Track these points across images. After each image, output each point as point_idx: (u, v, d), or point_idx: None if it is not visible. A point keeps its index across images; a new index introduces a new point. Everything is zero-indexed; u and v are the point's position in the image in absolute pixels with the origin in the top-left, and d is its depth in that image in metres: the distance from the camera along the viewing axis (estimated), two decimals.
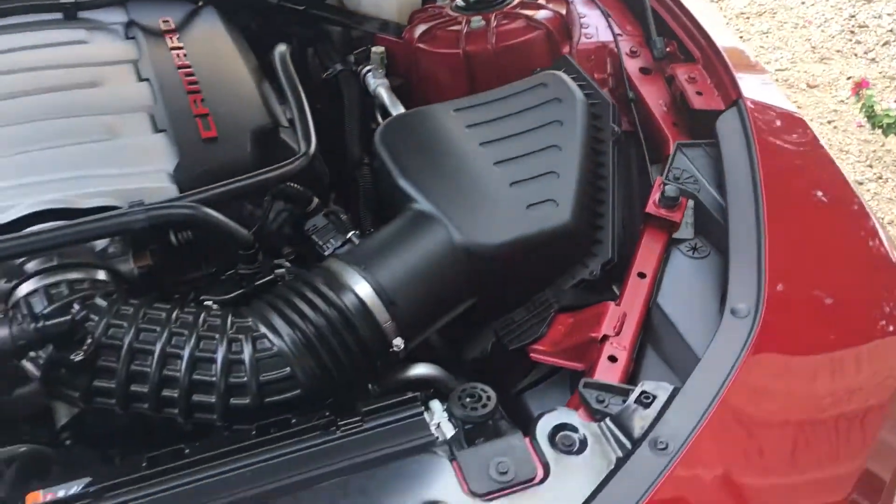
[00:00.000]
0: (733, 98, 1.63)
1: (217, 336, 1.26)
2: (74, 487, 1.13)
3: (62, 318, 1.18)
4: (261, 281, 1.47)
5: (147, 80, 1.63)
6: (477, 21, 1.86)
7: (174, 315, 1.29)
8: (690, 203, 1.49)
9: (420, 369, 1.44)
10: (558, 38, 1.88)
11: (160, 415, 1.26)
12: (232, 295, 1.45)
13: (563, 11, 1.93)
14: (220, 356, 1.24)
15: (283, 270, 1.51)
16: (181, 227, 1.40)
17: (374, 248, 1.41)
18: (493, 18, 1.88)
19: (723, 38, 1.79)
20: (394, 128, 1.60)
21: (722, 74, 1.69)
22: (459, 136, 1.55)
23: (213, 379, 1.24)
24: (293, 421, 1.21)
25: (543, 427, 1.18)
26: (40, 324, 1.16)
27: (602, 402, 1.21)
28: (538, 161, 1.51)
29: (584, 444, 1.16)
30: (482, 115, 1.60)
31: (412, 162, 1.51)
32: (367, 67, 1.93)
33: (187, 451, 1.17)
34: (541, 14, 1.89)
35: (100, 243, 1.37)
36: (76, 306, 1.24)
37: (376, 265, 1.36)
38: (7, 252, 1.25)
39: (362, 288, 1.33)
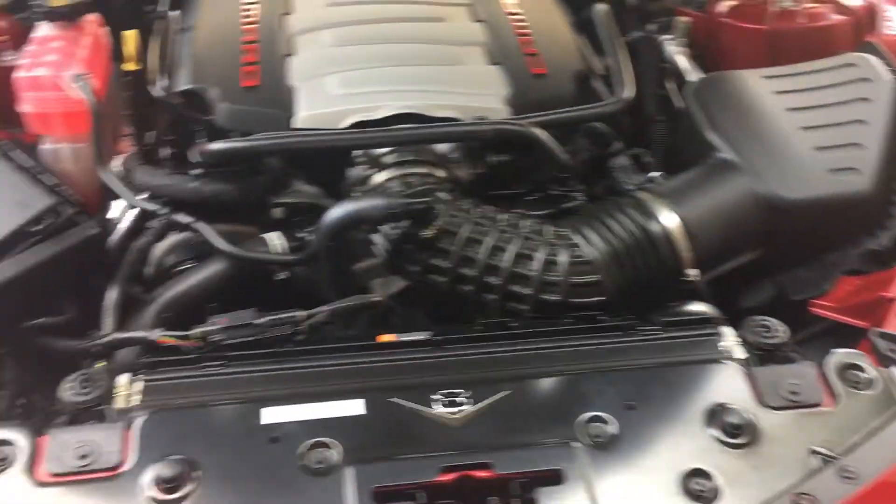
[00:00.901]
0: None
1: (537, 239, 1.45)
2: (415, 336, 1.35)
3: (423, 199, 1.41)
4: (567, 205, 1.65)
5: (481, 21, 1.85)
6: (789, 1, 1.96)
7: (502, 217, 1.49)
8: None
9: (701, 307, 1.56)
10: (864, 27, 1.94)
11: (477, 298, 1.46)
12: (542, 213, 1.64)
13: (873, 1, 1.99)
14: (539, 255, 1.43)
15: (583, 200, 1.69)
16: (515, 144, 1.60)
17: (680, 186, 1.56)
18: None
19: None
20: (706, 85, 1.73)
21: None
22: (768, 99, 1.66)
23: (531, 273, 1.42)
24: (599, 316, 1.38)
25: (834, 362, 1.27)
26: (408, 201, 1.39)
27: (894, 352, 1.29)
28: (844, 132, 1.59)
29: (871, 383, 1.25)
30: (791, 85, 1.70)
31: (721, 117, 1.64)
32: (669, 36, 2.07)
33: (514, 324, 1.36)
34: (850, 1, 1.95)
35: (444, 148, 1.60)
36: (425, 193, 1.47)
37: (682, 201, 1.51)
38: (378, 141, 1.51)
39: (669, 218, 1.48)
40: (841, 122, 1.60)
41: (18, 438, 1.13)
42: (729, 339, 1.35)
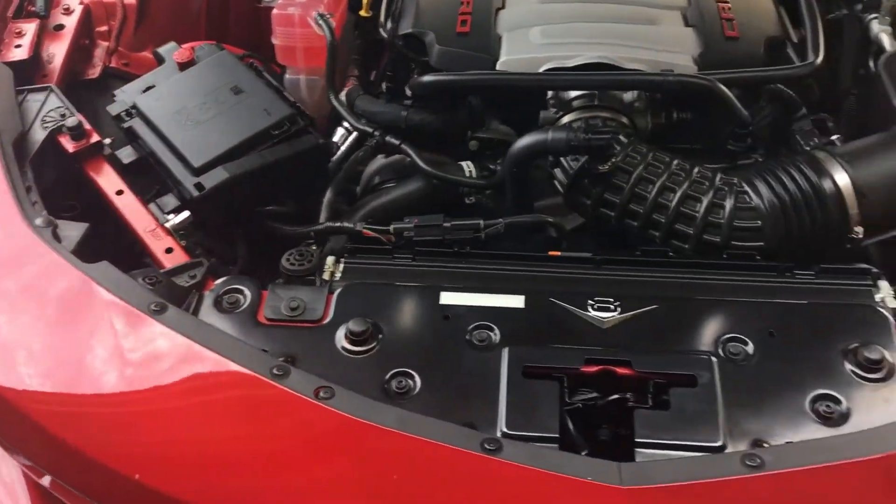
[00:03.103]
0: None
1: (706, 183, 1.55)
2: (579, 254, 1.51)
3: (603, 136, 1.56)
4: (742, 162, 1.74)
5: None
6: None
7: (675, 162, 1.60)
8: None
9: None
10: None
11: (643, 233, 1.59)
12: (716, 166, 1.73)
13: None
14: (706, 198, 1.53)
15: (757, 157, 1.76)
16: (696, 99, 1.71)
17: (857, 148, 1.60)
18: None
19: None
20: None
21: None
22: None
23: (696, 214, 1.53)
24: (757, 257, 1.47)
25: None
26: (588, 135, 1.55)
27: None
28: None
29: None
30: None
31: None
32: (874, 15, 2.06)
33: (671, 253, 1.49)
34: None
35: (628, 97, 1.74)
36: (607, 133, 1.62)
37: (857, 162, 1.55)
38: (567, 83, 1.68)
39: (841, 176, 1.53)
40: None
41: (247, 288, 1.41)
42: (884, 291, 1.39)
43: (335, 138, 1.92)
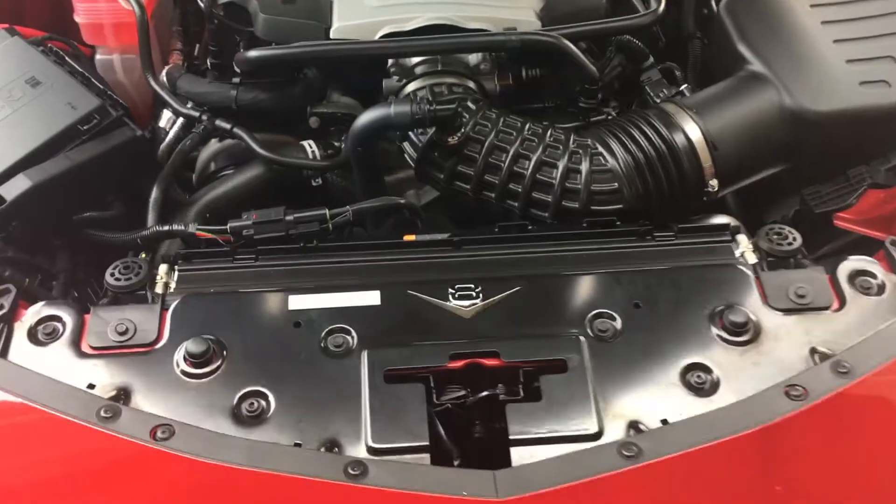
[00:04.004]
0: None
1: (561, 147, 1.48)
2: (434, 236, 1.42)
3: (449, 106, 1.45)
4: (595, 118, 1.68)
5: None
6: None
7: (527, 126, 1.52)
8: None
9: (722, 219, 1.58)
10: None
11: (501, 204, 1.51)
12: (569, 125, 1.67)
13: None
14: (561, 163, 1.46)
15: (609, 111, 1.71)
16: (543, 56, 1.63)
17: (706, 98, 1.57)
18: None
19: None
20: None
21: None
22: (802, 12, 1.64)
23: (553, 181, 1.46)
24: (617, 223, 1.42)
25: (845, 268, 1.29)
26: (433, 107, 1.44)
27: None
28: (878, 45, 1.57)
29: (881, 289, 1.27)
30: None
31: (752, 30, 1.63)
32: None
33: (530, 227, 1.41)
34: None
35: (473, 59, 1.64)
36: (453, 101, 1.52)
37: (706, 113, 1.52)
38: (406, 49, 1.56)
39: (692, 129, 1.49)
40: (875, 34, 1.58)
41: (65, 314, 1.24)
42: (743, 245, 1.37)
43: (162, 122, 1.74)
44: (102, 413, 1.06)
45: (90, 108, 1.47)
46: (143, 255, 1.39)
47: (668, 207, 1.50)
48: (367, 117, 1.49)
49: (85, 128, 1.45)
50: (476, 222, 1.56)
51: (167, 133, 1.72)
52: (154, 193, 1.53)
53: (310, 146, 1.64)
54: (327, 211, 1.40)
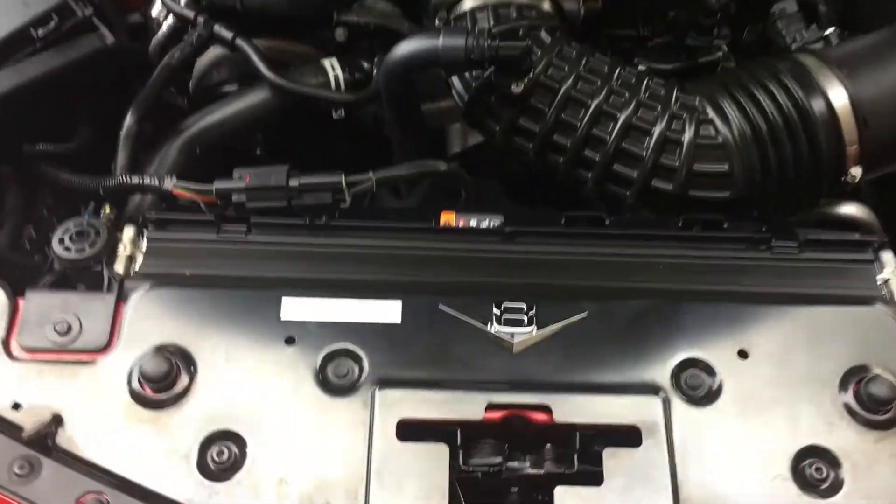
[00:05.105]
0: None
1: (659, 107, 1.12)
2: (486, 221, 1.09)
3: (517, 44, 1.09)
4: (706, 58, 1.29)
5: None
6: None
7: (617, 71, 1.15)
8: None
9: (853, 209, 1.23)
10: None
11: (570, 174, 1.17)
12: (671, 66, 1.29)
13: None
14: (657, 130, 1.11)
15: (722, 53, 1.32)
16: None
17: (862, 52, 1.17)
18: None
19: None
20: None
21: None
22: None
23: (643, 153, 1.11)
24: (725, 225, 1.07)
25: None
26: (496, 43, 1.07)
27: None
28: None
29: None
30: None
31: None
32: None
33: (607, 221, 1.07)
34: None
35: None
36: (522, 33, 1.15)
37: (861, 74, 1.13)
38: None
39: (838, 94, 1.11)
40: None
41: None
42: (889, 268, 1.03)
43: (154, 11, 1.39)
44: (17, 470, 0.79)
45: (48, 4, 1.12)
46: (108, 211, 1.07)
47: (788, 198, 1.15)
48: (406, 48, 1.12)
49: (41, 32, 1.11)
50: (534, 189, 1.23)
51: (160, 25, 1.37)
52: (127, 122, 1.19)
53: (332, 67, 1.29)
54: (343, 177, 1.06)
